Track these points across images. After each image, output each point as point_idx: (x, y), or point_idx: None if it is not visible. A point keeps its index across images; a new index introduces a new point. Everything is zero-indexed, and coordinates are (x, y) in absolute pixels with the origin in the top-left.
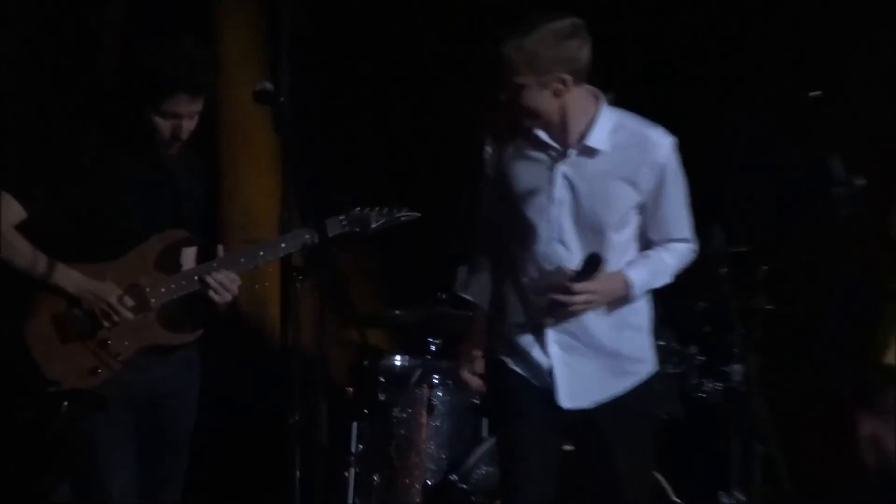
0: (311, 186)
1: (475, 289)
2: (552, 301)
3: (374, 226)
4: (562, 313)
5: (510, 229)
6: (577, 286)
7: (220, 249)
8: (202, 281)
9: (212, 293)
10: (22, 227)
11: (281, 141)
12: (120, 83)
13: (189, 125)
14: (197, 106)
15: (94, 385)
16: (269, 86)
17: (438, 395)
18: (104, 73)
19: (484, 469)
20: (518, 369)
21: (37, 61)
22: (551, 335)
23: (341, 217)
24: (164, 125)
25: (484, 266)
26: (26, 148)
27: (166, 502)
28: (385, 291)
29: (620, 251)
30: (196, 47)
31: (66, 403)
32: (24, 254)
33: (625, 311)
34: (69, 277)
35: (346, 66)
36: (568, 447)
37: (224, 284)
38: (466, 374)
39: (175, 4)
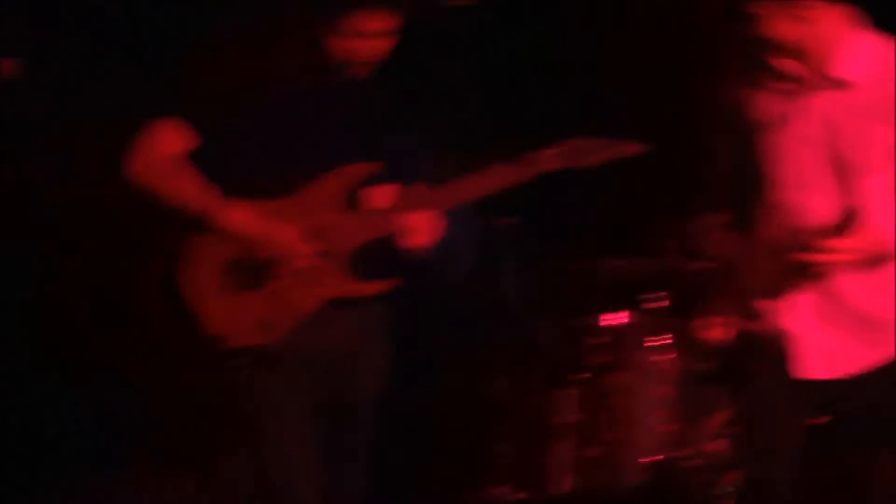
0: (519, 113)
1: (714, 242)
2: (800, 261)
3: (596, 159)
4: (811, 275)
5: (748, 175)
6: (831, 245)
7: (418, 188)
8: (394, 223)
9: (404, 237)
10: (190, 158)
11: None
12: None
13: (380, 45)
14: (386, 23)
15: (267, 342)
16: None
17: (663, 359)
18: None
19: (716, 444)
20: (758, 333)
21: None
22: (795, 297)
23: (556, 149)
24: (352, 45)
25: (721, 216)
26: (197, 66)
27: (351, 475)
28: (603, 239)
29: (883, 198)
30: None
31: (235, 363)
32: (191, 188)
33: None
34: (240, 217)
35: None
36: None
37: (420, 226)
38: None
39: None
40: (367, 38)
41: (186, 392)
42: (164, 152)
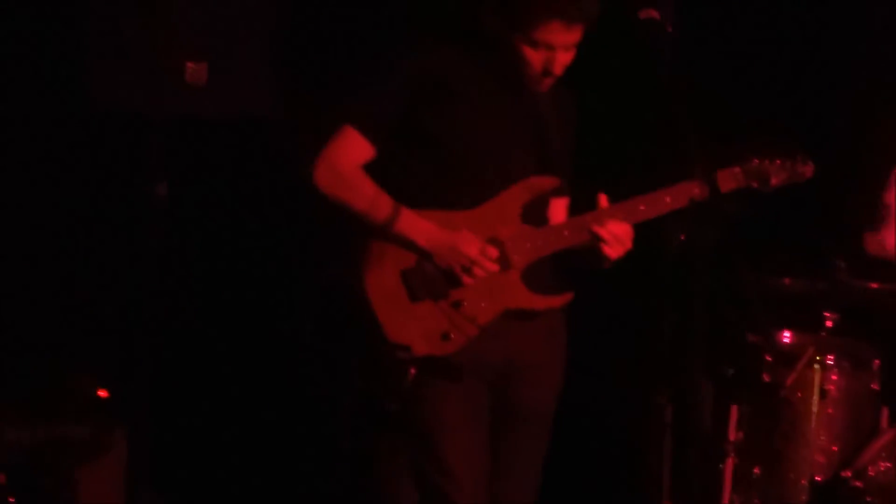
0: (701, 133)
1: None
2: None
3: (774, 181)
4: None
5: None
6: None
7: (603, 199)
8: (574, 237)
9: (603, 247)
10: (368, 168)
11: (664, 78)
12: (489, 6)
13: (564, 58)
14: (574, 36)
15: (445, 352)
16: (655, 13)
17: (833, 379)
18: None
19: (883, 466)
20: None
21: None
22: None
23: (736, 169)
24: (536, 57)
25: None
26: (366, 74)
27: (522, 487)
28: (774, 257)
29: None
30: None
31: (413, 371)
32: (369, 197)
33: None
34: (420, 227)
35: None
36: None
37: (618, 238)
38: None
39: None
40: (556, 51)
41: (366, 399)
42: (348, 161)
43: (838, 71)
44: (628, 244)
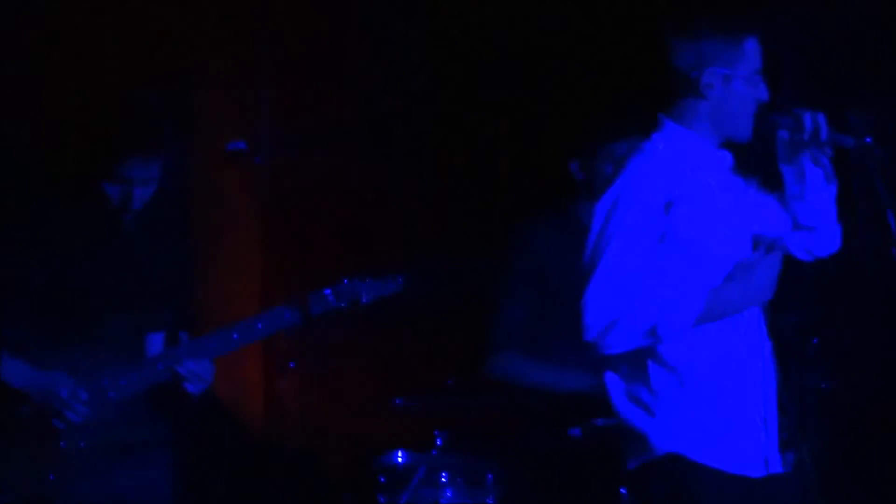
0: (296, 257)
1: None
2: None
3: (365, 300)
4: None
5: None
6: None
7: (184, 336)
8: (169, 370)
9: (183, 383)
10: None
11: (259, 205)
12: (73, 142)
13: (143, 192)
14: (151, 171)
15: (47, 494)
16: (242, 144)
17: (447, 497)
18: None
19: None
20: None
21: None
22: None
23: (327, 291)
24: (114, 191)
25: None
26: None
27: None
28: (384, 377)
29: None
30: (155, 104)
31: None
32: None
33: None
34: (14, 369)
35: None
36: None
37: (195, 373)
38: None
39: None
40: (133, 185)
41: None
42: None
43: None
44: (209, 379)
